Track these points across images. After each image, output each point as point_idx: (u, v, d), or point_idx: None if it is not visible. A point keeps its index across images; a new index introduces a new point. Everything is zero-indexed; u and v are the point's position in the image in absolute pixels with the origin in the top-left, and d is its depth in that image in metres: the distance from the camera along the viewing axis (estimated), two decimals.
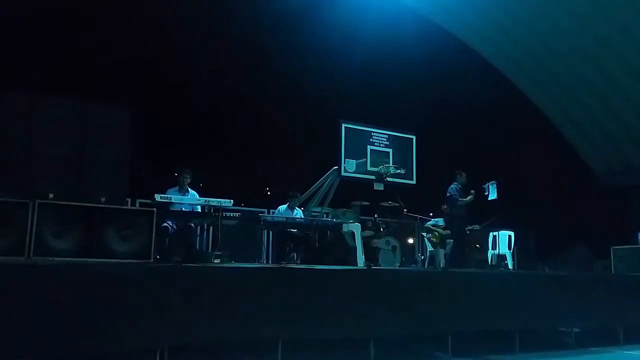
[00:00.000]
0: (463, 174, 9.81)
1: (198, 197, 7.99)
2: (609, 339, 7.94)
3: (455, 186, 9.76)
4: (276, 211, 9.10)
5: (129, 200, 7.57)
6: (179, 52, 12.53)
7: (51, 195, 5.80)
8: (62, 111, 6.69)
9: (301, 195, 9.88)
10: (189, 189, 8.21)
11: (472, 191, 9.87)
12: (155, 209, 6.15)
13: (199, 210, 7.88)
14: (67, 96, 7.11)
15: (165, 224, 7.46)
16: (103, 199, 6.15)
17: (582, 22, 12.90)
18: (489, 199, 9.73)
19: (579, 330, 7.82)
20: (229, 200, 7.49)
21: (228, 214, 8.01)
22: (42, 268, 4.84)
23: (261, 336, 5.62)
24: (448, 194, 9.81)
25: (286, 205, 9.16)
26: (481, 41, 14.73)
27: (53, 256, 5.20)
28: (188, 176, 8.18)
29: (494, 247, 11.20)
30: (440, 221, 10.56)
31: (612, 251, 10.97)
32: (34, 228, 5.20)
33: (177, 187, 8.16)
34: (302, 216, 9.23)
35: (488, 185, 9.86)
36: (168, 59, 12.34)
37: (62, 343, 4.69)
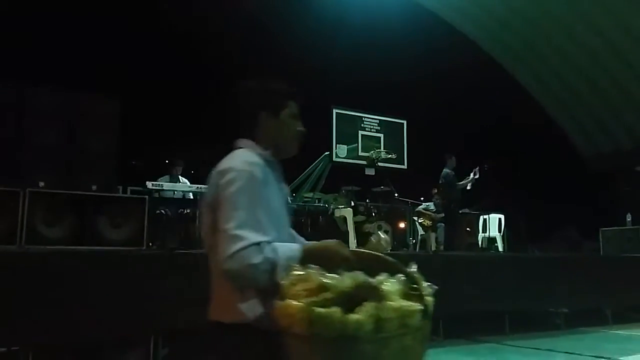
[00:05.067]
0: (453, 157, 9.86)
1: (188, 183, 8.00)
2: (597, 319, 8.08)
3: (448, 170, 9.79)
4: None
5: (120, 188, 7.56)
6: (170, 40, 12.43)
7: (42, 184, 5.79)
8: (52, 100, 6.66)
9: (293, 181, 9.90)
10: (180, 177, 8.21)
11: (475, 170, 9.84)
12: (147, 196, 6.16)
13: (191, 197, 7.89)
14: (57, 85, 7.06)
15: (160, 211, 7.46)
16: (94, 187, 6.14)
17: (575, 9, 12.92)
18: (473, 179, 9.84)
19: (568, 311, 7.94)
20: None
21: None
22: (34, 256, 4.84)
23: None
24: (442, 179, 9.81)
25: None
26: (470, 24, 14.72)
27: (45, 244, 5.20)
28: (180, 167, 8.21)
29: (484, 230, 11.31)
30: (431, 205, 10.64)
31: (600, 233, 11.12)
32: (25, 216, 5.19)
33: (167, 176, 8.16)
34: (292, 201, 9.25)
35: (476, 171, 9.93)
36: (159, 46, 12.25)
37: (55, 330, 4.70)
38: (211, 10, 12.76)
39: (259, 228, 1.72)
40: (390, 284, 1.58)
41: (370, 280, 1.57)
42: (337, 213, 8.75)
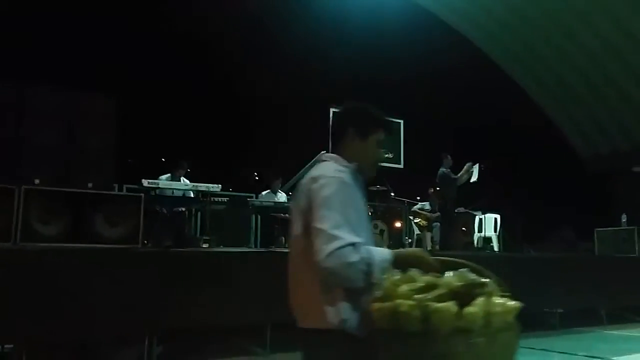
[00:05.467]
0: (449, 157, 9.86)
1: (189, 182, 8.00)
2: (592, 319, 8.10)
3: (444, 169, 9.79)
4: (259, 196, 9.13)
5: (116, 186, 7.56)
6: (168, 40, 12.42)
7: (37, 181, 5.78)
8: (51, 99, 6.65)
9: (289, 180, 9.91)
10: (182, 178, 8.24)
11: (468, 164, 9.80)
12: (142, 195, 6.15)
13: (188, 195, 7.90)
14: (56, 84, 7.06)
15: (155, 209, 7.46)
16: (90, 185, 6.14)
17: (573, 9, 12.94)
18: (470, 181, 9.81)
19: (563, 310, 7.96)
20: (217, 185, 7.51)
21: (216, 198, 8.03)
22: (29, 253, 4.84)
23: (250, 320, 5.67)
24: (439, 178, 9.79)
25: (268, 190, 9.21)
26: (468, 25, 14.72)
27: (40, 242, 5.19)
28: (183, 170, 8.22)
29: (480, 230, 11.34)
30: (427, 205, 10.65)
31: (595, 233, 11.14)
32: (21, 214, 5.18)
33: (169, 175, 8.17)
34: (287, 200, 9.26)
35: (471, 164, 9.89)
36: (156, 45, 12.24)
37: (50, 328, 4.70)
38: (211, 11, 12.76)
39: (352, 229, 1.78)
40: (490, 284, 1.66)
41: (479, 278, 1.65)
42: None
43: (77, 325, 4.82)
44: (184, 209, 8.08)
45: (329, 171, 1.92)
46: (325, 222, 1.77)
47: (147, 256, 5.51)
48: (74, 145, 6.74)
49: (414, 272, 1.69)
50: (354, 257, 1.71)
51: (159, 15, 12.35)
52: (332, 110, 10.61)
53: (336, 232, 1.74)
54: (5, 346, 4.93)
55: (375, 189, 10.46)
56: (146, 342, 5.15)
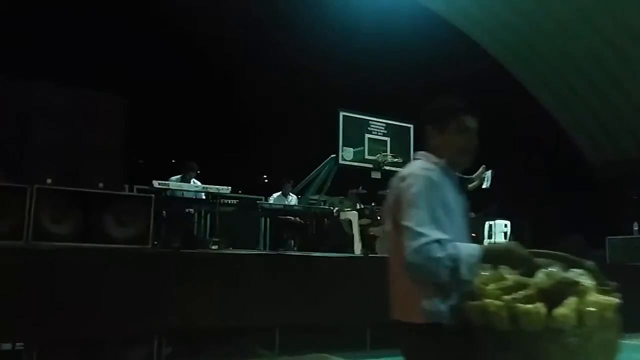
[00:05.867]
0: None
1: (199, 184, 8.00)
2: None
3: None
4: (270, 199, 9.11)
5: (127, 186, 7.58)
6: (177, 41, 12.47)
7: (49, 181, 5.81)
8: (59, 98, 6.68)
9: (299, 183, 9.91)
10: (193, 180, 8.23)
11: (482, 167, 9.70)
12: (153, 195, 6.16)
13: (197, 196, 7.90)
14: (64, 83, 7.09)
15: (165, 210, 7.46)
16: (101, 185, 6.16)
17: (581, 14, 12.89)
18: (482, 187, 9.73)
19: None
20: (226, 187, 7.52)
21: (226, 201, 8.04)
22: (40, 252, 4.85)
23: (259, 322, 5.66)
24: None
25: (279, 192, 9.17)
26: (479, 30, 14.71)
27: (51, 241, 5.21)
28: (194, 172, 8.20)
29: (489, 236, 11.25)
30: None
31: (606, 241, 11.04)
32: (32, 213, 5.20)
33: (180, 176, 8.17)
34: (297, 203, 9.25)
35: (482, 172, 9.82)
36: (166, 46, 12.30)
37: (60, 327, 4.71)
38: (218, 13, 12.81)
39: (439, 226, 1.81)
40: (585, 280, 1.62)
41: (570, 276, 1.62)
42: (343, 216, 8.74)
43: (87, 324, 4.83)
44: (193, 211, 8.08)
45: (417, 169, 1.96)
46: (412, 219, 1.82)
47: (157, 257, 5.52)
48: (83, 145, 6.77)
49: (503, 269, 1.69)
50: (439, 253, 1.73)
51: (169, 16, 12.41)
52: (341, 114, 10.63)
53: (422, 229, 1.78)
54: (17, 345, 4.94)
55: (384, 193, 10.42)
56: (155, 342, 5.14)
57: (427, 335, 1.83)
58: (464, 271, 1.72)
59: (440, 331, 1.79)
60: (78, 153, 6.75)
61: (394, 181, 2.00)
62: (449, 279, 1.74)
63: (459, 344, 1.74)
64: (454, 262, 1.73)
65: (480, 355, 1.69)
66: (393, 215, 1.93)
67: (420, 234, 1.77)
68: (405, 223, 1.83)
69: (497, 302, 1.58)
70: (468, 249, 1.78)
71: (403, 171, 2.00)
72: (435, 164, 2.02)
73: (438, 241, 1.75)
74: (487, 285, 1.64)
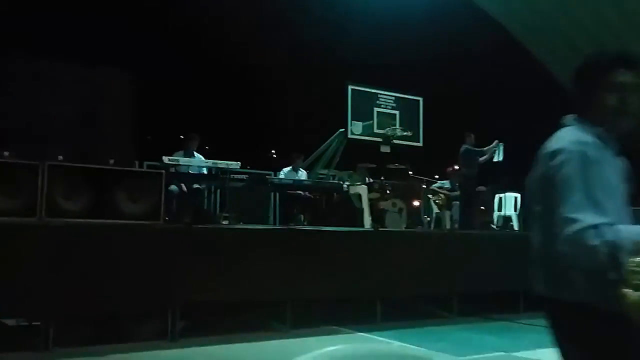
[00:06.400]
0: (472, 135, 9.73)
1: (203, 159, 8.02)
2: None
3: (467, 146, 9.64)
4: (280, 173, 9.11)
5: (137, 162, 7.60)
6: (185, 16, 12.36)
7: (60, 157, 5.83)
8: (70, 74, 6.68)
9: (307, 157, 9.89)
10: (195, 153, 8.23)
11: (495, 141, 9.64)
12: (163, 171, 6.19)
13: (207, 172, 7.91)
14: (75, 60, 7.07)
15: (173, 186, 7.49)
16: (112, 161, 6.18)
17: None
18: (494, 160, 9.68)
19: None
20: (236, 163, 7.52)
21: (235, 176, 8.05)
22: (53, 228, 4.90)
23: (270, 297, 5.72)
24: (463, 153, 9.65)
25: (290, 167, 9.16)
26: (491, 1, 14.45)
27: (64, 217, 5.26)
28: (195, 142, 8.20)
29: (499, 209, 11.23)
30: (446, 183, 10.57)
31: None
32: (45, 190, 5.24)
33: (182, 152, 8.17)
34: (307, 178, 9.25)
35: (495, 146, 9.76)
36: (174, 22, 12.20)
37: (74, 302, 4.78)
38: None
39: (597, 210, 1.62)
40: None
41: None
42: (352, 190, 8.74)
43: (100, 300, 4.90)
44: (203, 186, 8.11)
45: (568, 144, 1.73)
46: (565, 204, 1.64)
47: (168, 232, 5.56)
48: (94, 122, 6.80)
49: None
50: (595, 241, 1.56)
51: None
52: (350, 87, 10.54)
53: (574, 215, 1.61)
54: (33, 321, 5.03)
55: (393, 167, 10.41)
56: (168, 317, 5.21)
57: (582, 315, 1.70)
58: (623, 258, 1.54)
59: (596, 313, 1.66)
60: (89, 130, 6.79)
61: (541, 156, 1.80)
62: (605, 267, 1.57)
63: (614, 329, 1.62)
64: (613, 248, 1.55)
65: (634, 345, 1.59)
66: (541, 194, 1.77)
67: (573, 220, 1.60)
68: (558, 208, 1.65)
69: (635, 295, 1.45)
70: (631, 233, 1.58)
71: (552, 144, 1.78)
72: (590, 131, 1.77)
73: (594, 226, 1.58)
74: (636, 274, 1.49)
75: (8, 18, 9.67)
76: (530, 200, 1.89)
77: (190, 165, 7.81)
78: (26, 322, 4.99)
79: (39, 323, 4.79)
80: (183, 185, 7.71)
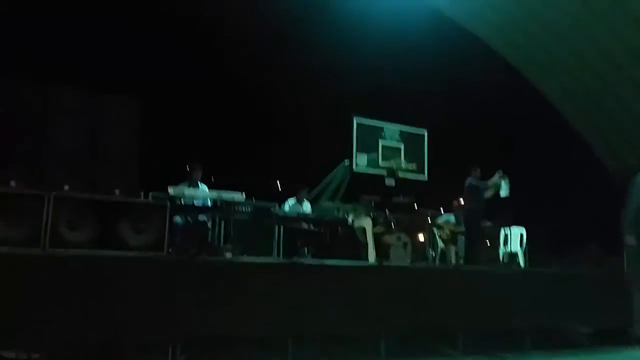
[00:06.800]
0: (477, 169, 9.74)
1: (207, 190, 8.03)
2: (622, 338, 7.89)
3: (472, 180, 9.64)
4: (284, 205, 9.11)
5: (142, 193, 7.61)
6: (190, 43, 12.54)
7: (66, 187, 5.85)
8: (74, 102, 6.71)
9: (311, 189, 9.89)
10: (199, 183, 8.26)
11: (499, 172, 9.60)
12: (168, 204, 6.19)
13: (211, 204, 7.91)
14: (82, 88, 7.11)
15: (177, 217, 7.48)
16: (117, 192, 6.19)
17: (601, 20, 12.78)
18: (502, 196, 9.64)
19: (592, 329, 7.77)
20: (241, 194, 7.52)
21: (240, 208, 8.05)
22: (57, 259, 4.88)
23: (271, 331, 5.64)
24: (468, 187, 9.63)
25: (294, 198, 9.17)
26: (494, 35, 14.64)
27: (68, 248, 5.24)
28: (199, 172, 8.25)
29: (505, 244, 11.16)
30: (452, 218, 10.52)
31: (625, 249, 10.86)
32: (50, 220, 5.24)
33: (187, 182, 8.20)
34: (311, 210, 9.24)
35: (498, 179, 9.73)
36: (178, 49, 12.37)
37: (76, 334, 4.73)
38: (231, 16, 12.85)
39: None
40: None
41: None
42: (357, 223, 8.71)
43: (102, 331, 4.85)
44: (207, 218, 8.10)
45: None
46: None
47: (172, 264, 5.53)
48: (100, 150, 6.80)
49: None
50: None
51: (183, 18, 12.47)
52: (355, 120, 10.62)
53: None
54: (32, 355, 4.97)
55: (398, 200, 10.39)
56: (170, 349, 5.15)
57: None
58: None
59: None
60: (95, 159, 6.79)
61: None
62: None
63: None
64: None
65: None
66: None
67: None
68: None
69: None
70: None
71: None
72: None
73: None
74: None
75: (9, 42, 9.83)
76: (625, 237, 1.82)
77: (195, 197, 7.83)
78: (25, 355, 4.93)
79: (37, 356, 4.73)
80: (188, 217, 7.71)
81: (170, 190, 7.15)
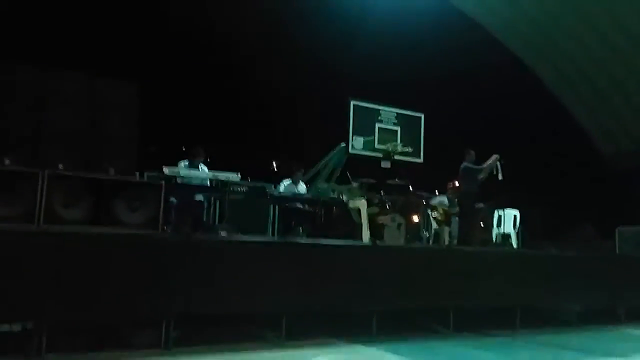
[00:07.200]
0: (472, 152, 9.78)
1: (207, 171, 8.07)
2: (610, 318, 8.01)
3: (467, 164, 9.68)
4: (280, 185, 9.16)
5: (137, 173, 7.65)
6: (188, 25, 12.50)
7: (60, 166, 5.88)
8: (71, 83, 6.72)
9: (308, 171, 9.94)
10: (200, 166, 8.30)
11: (495, 156, 9.62)
12: (163, 182, 6.23)
13: (207, 183, 7.96)
14: (76, 68, 7.12)
15: (172, 198, 7.53)
16: (112, 171, 6.22)
17: (598, 4, 12.74)
18: (497, 179, 9.70)
19: (581, 308, 7.89)
20: (236, 174, 7.56)
21: (235, 188, 8.10)
22: (52, 236, 4.93)
23: (266, 308, 5.72)
24: (463, 170, 9.67)
25: (290, 179, 9.21)
26: (490, 18, 14.60)
27: (63, 225, 5.29)
28: (201, 157, 8.28)
29: (498, 226, 11.24)
30: (445, 200, 10.58)
31: (617, 232, 10.99)
32: (44, 197, 5.28)
33: (187, 162, 8.24)
34: (306, 191, 9.30)
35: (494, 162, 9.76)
36: (176, 31, 12.33)
37: (69, 309, 4.80)
38: (230, 1, 12.81)
39: None
40: None
41: None
42: (352, 205, 8.77)
43: (95, 308, 4.91)
44: (202, 198, 8.15)
45: None
46: None
47: (166, 242, 5.58)
48: (95, 130, 6.82)
49: None
50: None
51: (181, 4, 12.43)
52: (352, 102, 10.62)
53: None
54: (27, 326, 5.04)
55: (393, 182, 10.45)
56: (163, 326, 5.22)
57: None
58: None
59: None
60: (91, 139, 6.81)
61: None
62: None
63: None
64: None
65: None
66: None
67: None
68: None
69: None
70: None
71: None
72: None
73: None
74: None
75: (9, 25, 9.80)
76: None
77: (191, 177, 7.86)
78: (19, 327, 5.00)
79: (31, 328, 4.80)
80: (183, 196, 7.75)
81: (166, 170, 7.19)
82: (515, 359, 5.63)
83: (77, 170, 5.91)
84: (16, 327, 4.95)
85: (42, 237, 4.90)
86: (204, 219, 8.15)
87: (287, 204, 8.55)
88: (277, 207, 8.64)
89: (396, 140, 10.60)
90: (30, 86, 6.62)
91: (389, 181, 10.49)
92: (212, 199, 8.35)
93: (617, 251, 10.55)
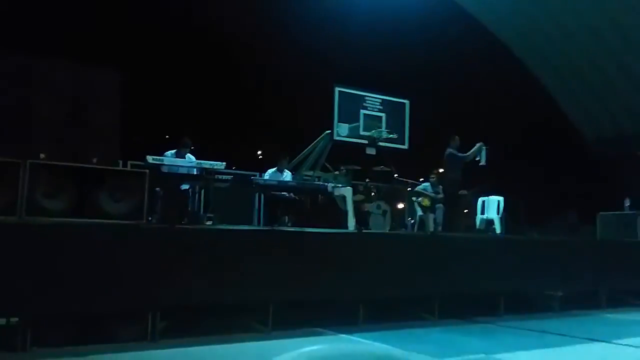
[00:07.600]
0: (457, 138, 9.81)
1: (194, 159, 8.00)
2: (592, 302, 8.15)
3: (452, 150, 9.71)
4: (265, 174, 9.12)
5: (121, 162, 7.57)
6: (173, 13, 12.34)
7: (42, 156, 5.79)
8: (55, 72, 6.61)
9: (293, 159, 9.90)
10: (187, 155, 8.23)
11: (479, 144, 9.64)
12: (147, 171, 6.16)
13: (193, 172, 7.89)
14: (60, 57, 7.01)
15: (157, 188, 7.46)
16: (95, 160, 6.15)
17: None
18: (479, 164, 9.74)
19: (563, 294, 8.01)
20: (221, 163, 7.51)
21: (220, 176, 8.05)
22: (34, 227, 4.86)
23: (253, 298, 5.72)
24: (448, 157, 9.69)
25: (275, 168, 9.17)
26: (476, 5, 14.56)
27: (45, 216, 5.22)
28: (187, 149, 8.21)
29: (482, 212, 11.34)
30: (429, 186, 10.62)
31: (598, 217, 11.15)
32: (26, 188, 5.20)
33: (174, 152, 8.16)
34: (292, 179, 9.27)
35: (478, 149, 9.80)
36: (161, 20, 12.17)
37: (54, 302, 4.75)
38: None
39: None
40: None
41: None
42: (337, 192, 8.77)
43: (81, 299, 4.86)
44: (188, 187, 8.09)
45: None
46: None
47: (151, 232, 5.53)
48: (79, 120, 6.73)
49: None
50: None
51: None
52: (337, 89, 10.58)
53: None
54: (11, 320, 4.99)
55: (378, 169, 10.46)
56: (149, 317, 5.19)
57: None
58: None
59: None
60: (75, 128, 6.72)
61: None
62: None
63: None
64: None
65: None
66: None
67: None
68: None
69: None
70: None
71: None
72: None
73: None
74: None
75: None
76: None
77: (175, 166, 7.80)
78: (3, 321, 4.94)
79: (17, 321, 4.75)
80: (168, 186, 7.69)
81: (149, 159, 7.11)
82: (500, 344, 5.70)
83: (59, 159, 5.83)
84: (0, 322, 4.89)
85: (25, 228, 4.83)
86: (189, 208, 8.09)
87: (272, 193, 8.52)
88: (262, 195, 8.61)
89: (381, 127, 10.59)
90: (13, 73, 6.50)
91: (374, 168, 10.50)
92: (197, 188, 8.30)
93: (598, 236, 10.72)
